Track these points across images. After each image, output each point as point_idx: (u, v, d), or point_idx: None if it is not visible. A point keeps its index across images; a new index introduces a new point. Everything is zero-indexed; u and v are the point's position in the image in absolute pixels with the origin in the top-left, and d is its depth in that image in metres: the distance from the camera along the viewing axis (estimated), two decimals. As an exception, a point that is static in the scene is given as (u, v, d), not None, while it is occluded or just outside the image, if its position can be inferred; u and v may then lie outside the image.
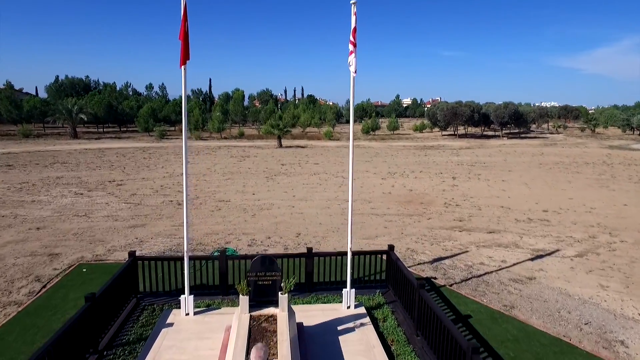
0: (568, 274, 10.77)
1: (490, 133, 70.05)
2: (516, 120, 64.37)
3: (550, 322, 8.24)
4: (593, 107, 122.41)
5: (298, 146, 47.66)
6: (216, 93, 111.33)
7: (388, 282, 9.40)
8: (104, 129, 68.45)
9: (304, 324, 7.32)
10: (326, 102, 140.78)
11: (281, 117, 58.66)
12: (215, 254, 11.51)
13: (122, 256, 11.38)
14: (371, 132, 67.66)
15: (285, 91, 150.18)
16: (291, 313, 6.64)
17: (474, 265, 11.26)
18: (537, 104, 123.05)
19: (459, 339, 5.75)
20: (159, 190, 20.80)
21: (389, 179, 24.82)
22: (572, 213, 17.17)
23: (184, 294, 7.90)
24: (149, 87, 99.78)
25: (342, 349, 6.86)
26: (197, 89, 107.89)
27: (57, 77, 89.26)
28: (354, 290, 8.29)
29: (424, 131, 75.64)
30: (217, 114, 64.85)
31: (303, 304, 8.55)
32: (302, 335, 6.89)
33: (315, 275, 9.28)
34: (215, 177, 24.96)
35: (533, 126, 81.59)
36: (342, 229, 14.32)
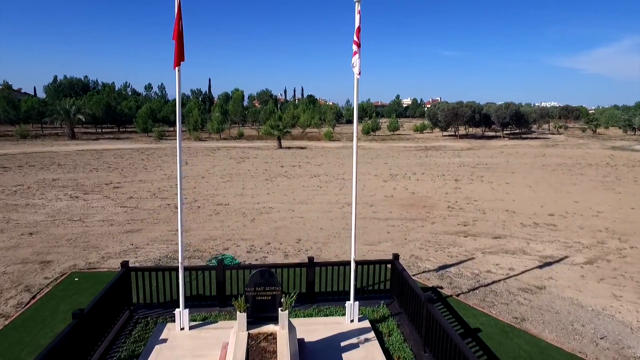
0: (579, 282, 10.37)
1: (491, 134, 69.66)
2: (517, 121, 64.01)
3: (564, 336, 7.85)
4: (593, 107, 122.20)
5: (298, 147, 47.27)
6: (216, 93, 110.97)
7: (393, 292, 9.01)
8: (103, 130, 68.03)
9: (305, 340, 6.93)
10: (326, 102, 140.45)
11: (281, 118, 58.19)
12: (213, 261, 11.11)
13: (117, 264, 10.98)
14: (371, 133, 67.28)
15: (285, 91, 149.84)
16: (292, 329, 6.25)
17: (480, 274, 10.87)
18: (537, 104, 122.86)
19: (470, 357, 5.37)
20: (157, 193, 20.40)
21: (391, 181, 24.43)
22: (579, 217, 16.78)
23: (179, 306, 7.51)
24: (148, 87, 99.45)
25: (346, 368, 6.47)
26: (197, 89, 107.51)
27: (55, 77, 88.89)
28: (357, 303, 7.89)
29: (424, 132, 75.25)
30: (217, 115, 64.43)
31: (304, 316, 8.16)
32: (304, 352, 6.50)
33: (316, 284, 8.89)
34: (214, 180, 24.56)
35: (534, 127, 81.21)
36: (343, 234, 13.94)
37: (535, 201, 19.61)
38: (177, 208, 16.85)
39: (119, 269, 8.27)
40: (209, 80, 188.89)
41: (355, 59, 6.98)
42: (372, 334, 7.42)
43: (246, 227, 14.73)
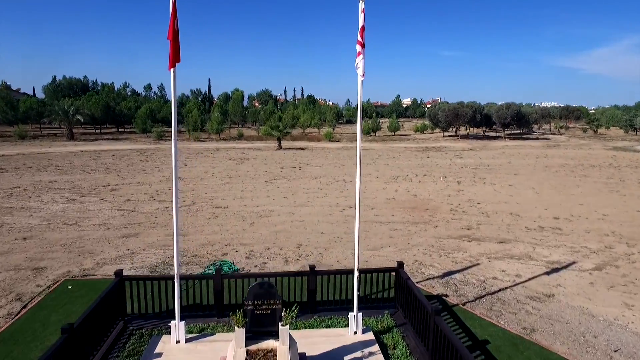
0: (588, 290, 10.06)
1: (492, 134, 69.34)
2: (518, 121, 63.69)
3: (576, 348, 7.53)
4: (593, 108, 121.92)
5: (298, 148, 46.95)
6: (215, 93, 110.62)
7: (397, 301, 8.69)
8: (102, 130, 67.67)
9: (307, 354, 6.61)
10: (326, 102, 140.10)
11: (281, 118, 57.96)
12: (211, 268, 10.79)
13: (112, 270, 10.65)
14: (372, 133, 66.97)
15: (285, 91, 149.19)
16: (292, 344, 5.93)
17: (486, 280, 10.55)
18: (537, 104, 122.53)
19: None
20: (155, 195, 20.07)
21: (392, 183, 24.11)
22: (585, 220, 16.46)
23: (174, 317, 7.19)
24: (148, 87, 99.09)
25: (350, 385, 6.16)
26: (196, 89, 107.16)
27: (54, 77, 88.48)
28: (361, 314, 7.57)
29: (425, 132, 74.93)
30: (216, 115, 64.09)
31: (305, 328, 7.84)
32: (305, 368, 6.19)
33: (318, 292, 8.57)
34: (213, 181, 24.24)
35: (535, 127, 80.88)
36: (345, 238, 13.62)
37: (539, 204, 19.30)
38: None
39: (114, 278, 7.96)
40: (209, 80, 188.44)
41: (359, 60, 6.66)
42: (376, 347, 7.11)
43: (245, 231, 14.41)
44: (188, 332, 7.41)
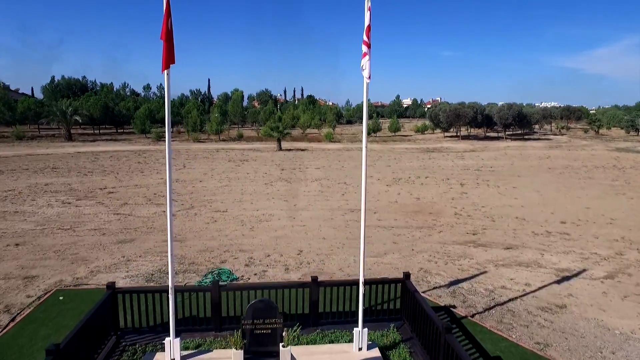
0: (601, 300, 9.66)
1: (493, 135, 68.95)
2: (520, 122, 63.30)
3: (593, 365, 7.14)
4: (594, 108, 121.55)
5: (298, 149, 46.55)
6: (215, 93, 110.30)
7: (403, 314, 8.29)
8: (100, 131, 67.22)
9: (310, 374, 6.22)
10: (326, 102, 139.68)
11: (280, 119, 57.53)
12: (209, 276, 10.40)
13: (106, 279, 10.26)
14: (372, 134, 66.55)
15: (285, 91, 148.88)
16: (294, 365, 5.55)
17: (495, 290, 10.15)
18: (537, 104, 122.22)
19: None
20: (152, 199, 19.67)
21: (394, 186, 23.73)
22: (592, 225, 16.07)
23: (169, 333, 6.79)
24: (147, 87, 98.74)
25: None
26: (196, 90, 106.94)
27: (53, 77, 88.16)
28: (366, 329, 7.17)
29: (425, 132, 74.54)
30: (215, 116, 63.66)
31: (307, 343, 7.43)
32: (308, 390, 5.79)
33: (321, 304, 8.17)
34: (212, 183, 23.85)
35: (536, 127, 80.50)
36: (347, 244, 13.23)
37: (544, 207, 18.90)
38: (174, 215, 16.12)
39: (106, 290, 7.56)
40: (208, 80, 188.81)
41: (365, 62, 6.27)
42: (383, 365, 6.71)
43: (245, 237, 14.02)
44: (184, 348, 7.01)
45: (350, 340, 7.31)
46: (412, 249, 12.99)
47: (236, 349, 5.26)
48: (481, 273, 11.23)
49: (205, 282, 10.10)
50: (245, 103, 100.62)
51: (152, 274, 10.74)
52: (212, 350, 7.09)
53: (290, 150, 45.07)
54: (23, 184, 22.87)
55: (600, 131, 75.25)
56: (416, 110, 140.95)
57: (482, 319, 8.65)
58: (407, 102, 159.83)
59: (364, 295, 7.21)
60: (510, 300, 9.62)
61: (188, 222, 15.79)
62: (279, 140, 45.65)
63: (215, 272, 10.71)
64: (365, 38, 6.23)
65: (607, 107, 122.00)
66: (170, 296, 6.69)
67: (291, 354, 5.47)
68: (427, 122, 76.12)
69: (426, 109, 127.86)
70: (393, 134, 70.19)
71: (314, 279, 8.08)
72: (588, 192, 22.53)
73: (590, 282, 10.74)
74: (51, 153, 38.21)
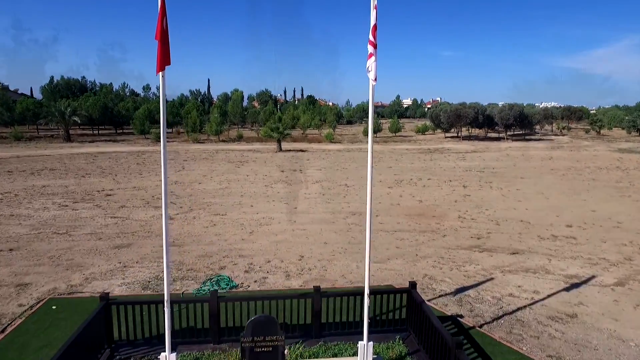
0: (613, 309, 9.35)
1: (494, 135, 68.64)
2: (521, 122, 62.98)
3: (609, 380, 6.82)
4: (594, 108, 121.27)
5: (298, 150, 46.24)
6: (215, 94, 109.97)
7: (409, 325, 7.98)
8: (99, 132, 66.86)
9: (313, 391, 5.91)
10: (326, 102, 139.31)
11: (280, 119, 57.15)
12: (208, 284, 10.08)
13: (101, 287, 9.97)
14: (373, 135, 66.15)
15: (285, 92, 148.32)
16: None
17: (503, 298, 9.84)
18: (537, 104, 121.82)
19: None
20: (150, 201, 19.35)
21: (396, 188, 23.41)
22: (599, 228, 15.75)
23: (164, 350, 6.46)
24: (146, 87, 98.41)
25: None
26: (196, 90, 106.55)
27: (52, 77, 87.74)
28: (372, 343, 6.85)
29: (426, 133, 74.20)
30: (215, 116, 63.28)
31: (310, 356, 7.12)
32: (311, 410, 5.48)
33: (323, 314, 7.86)
34: (211, 185, 23.53)
35: (536, 127, 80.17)
36: (349, 249, 12.91)
37: (549, 210, 18.59)
38: (172, 219, 15.81)
39: (99, 302, 7.25)
40: (208, 80, 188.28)
41: (371, 63, 5.94)
42: (389, 381, 6.40)
43: (244, 241, 13.70)
44: (180, 362, 6.70)
45: (355, 354, 7.00)
46: (416, 254, 12.68)
47: (235, 369, 4.97)
48: (487, 280, 10.91)
49: (204, 290, 9.79)
50: (245, 103, 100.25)
51: (149, 281, 10.42)
52: (210, 365, 6.78)
53: (290, 151, 44.76)
54: (20, 186, 22.55)
55: (602, 131, 74.92)
56: (416, 110, 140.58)
57: (491, 330, 8.34)
58: (407, 102, 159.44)
59: (369, 307, 6.89)
60: (519, 309, 9.30)
61: (187, 225, 15.48)
62: (279, 141, 45.34)
63: (214, 279, 10.40)
64: (371, 38, 5.91)
65: (607, 107, 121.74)
66: (166, 309, 6.35)
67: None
68: (428, 123, 75.76)
69: (426, 109, 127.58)
70: (394, 134, 69.86)
71: (317, 288, 7.77)
72: (593, 194, 22.22)
73: (601, 289, 10.42)
74: (49, 154, 37.89)
